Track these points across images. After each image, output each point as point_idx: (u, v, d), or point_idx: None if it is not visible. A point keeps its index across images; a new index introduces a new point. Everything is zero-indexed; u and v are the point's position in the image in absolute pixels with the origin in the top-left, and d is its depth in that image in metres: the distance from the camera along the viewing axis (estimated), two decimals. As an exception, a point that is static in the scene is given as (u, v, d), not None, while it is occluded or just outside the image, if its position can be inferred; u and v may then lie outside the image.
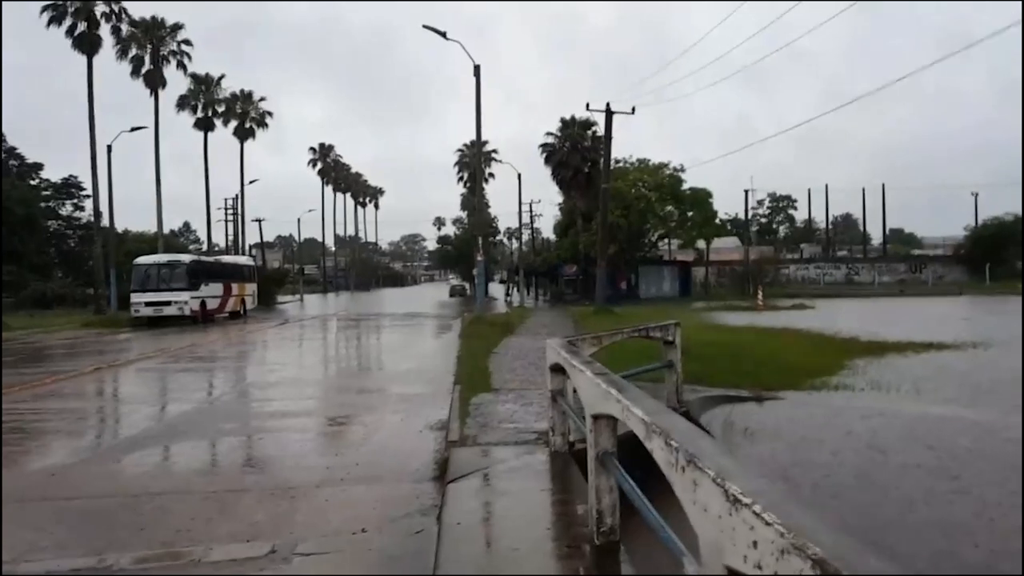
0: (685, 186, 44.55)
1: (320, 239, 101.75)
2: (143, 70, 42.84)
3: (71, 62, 34.98)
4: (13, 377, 13.71)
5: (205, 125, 52.79)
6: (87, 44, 36.98)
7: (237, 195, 60.25)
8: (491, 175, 69.68)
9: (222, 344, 21.40)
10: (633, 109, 30.45)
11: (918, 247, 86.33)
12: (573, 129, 46.47)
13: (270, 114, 59.52)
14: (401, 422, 8.82)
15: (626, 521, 3.96)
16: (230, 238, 64.59)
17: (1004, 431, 8.69)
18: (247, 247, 66.66)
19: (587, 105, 30.24)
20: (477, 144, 26.49)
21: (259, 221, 72.34)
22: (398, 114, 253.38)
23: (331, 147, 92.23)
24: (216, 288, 33.68)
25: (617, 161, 41.03)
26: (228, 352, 19.42)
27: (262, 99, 58.73)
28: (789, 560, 1.61)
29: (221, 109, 54.77)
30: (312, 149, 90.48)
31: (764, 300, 36.11)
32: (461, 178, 75.28)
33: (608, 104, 29.98)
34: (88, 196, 42.94)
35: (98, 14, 37.46)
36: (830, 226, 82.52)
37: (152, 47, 42.89)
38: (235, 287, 36.03)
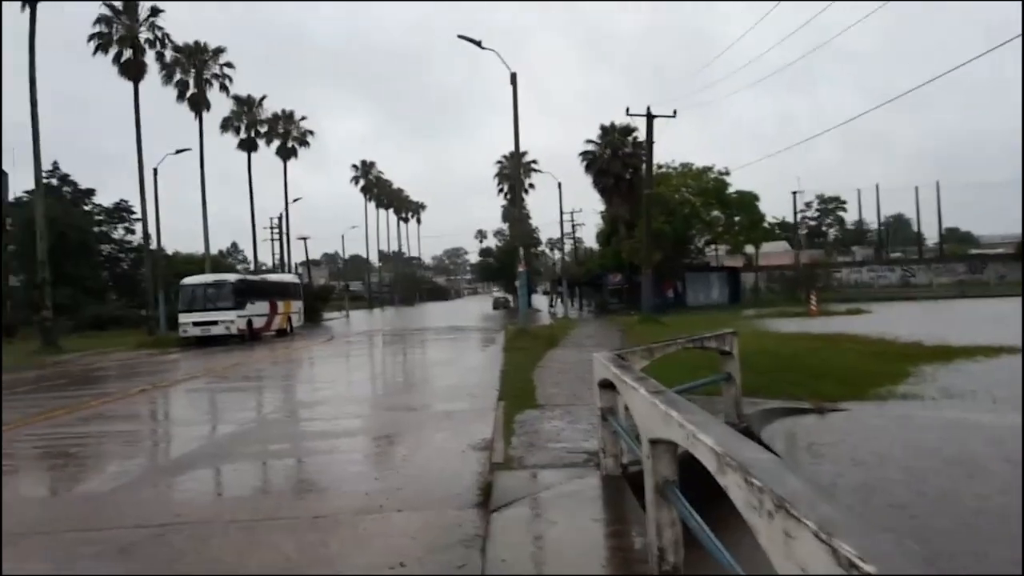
0: (730, 189, 43.55)
1: (364, 255, 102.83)
2: (188, 94, 43.81)
3: (120, 89, 36.16)
4: (60, 400, 13.80)
5: (248, 146, 53.71)
6: (132, 70, 37.88)
7: (282, 214, 61.13)
8: (531, 186, 69.58)
9: (267, 362, 21.41)
10: (675, 112, 29.90)
11: (975, 246, 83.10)
12: (613, 136, 45.91)
13: (311, 133, 60.40)
14: (444, 442, 8.46)
15: (689, 552, 3.51)
16: (276, 257, 65.62)
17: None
18: (293, 265, 67.63)
19: (627, 110, 29.81)
20: (516, 153, 26.20)
21: (304, 239, 73.34)
22: (437, 129, 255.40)
23: (372, 164, 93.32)
24: (262, 306, 33.98)
25: (659, 166, 40.33)
26: (272, 371, 19.38)
27: (303, 118, 59.64)
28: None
29: (264, 130, 55.71)
30: (354, 166, 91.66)
31: (818, 305, 34.92)
32: (501, 190, 75.28)
33: (649, 108, 29.49)
34: (138, 219, 44.00)
35: (142, 40, 38.37)
36: (882, 227, 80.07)
37: (195, 71, 43.82)
38: (281, 305, 36.32)
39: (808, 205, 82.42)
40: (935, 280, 58.14)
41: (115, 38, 37.82)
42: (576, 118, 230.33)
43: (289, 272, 58.61)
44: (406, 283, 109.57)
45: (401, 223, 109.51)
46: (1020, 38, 12.89)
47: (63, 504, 6.63)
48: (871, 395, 11.74)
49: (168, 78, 42.94)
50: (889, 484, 6.99)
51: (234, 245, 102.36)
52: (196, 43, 44.26)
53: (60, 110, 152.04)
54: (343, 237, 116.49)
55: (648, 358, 5.97)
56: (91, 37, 37.69)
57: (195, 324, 30.33)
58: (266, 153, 57.20)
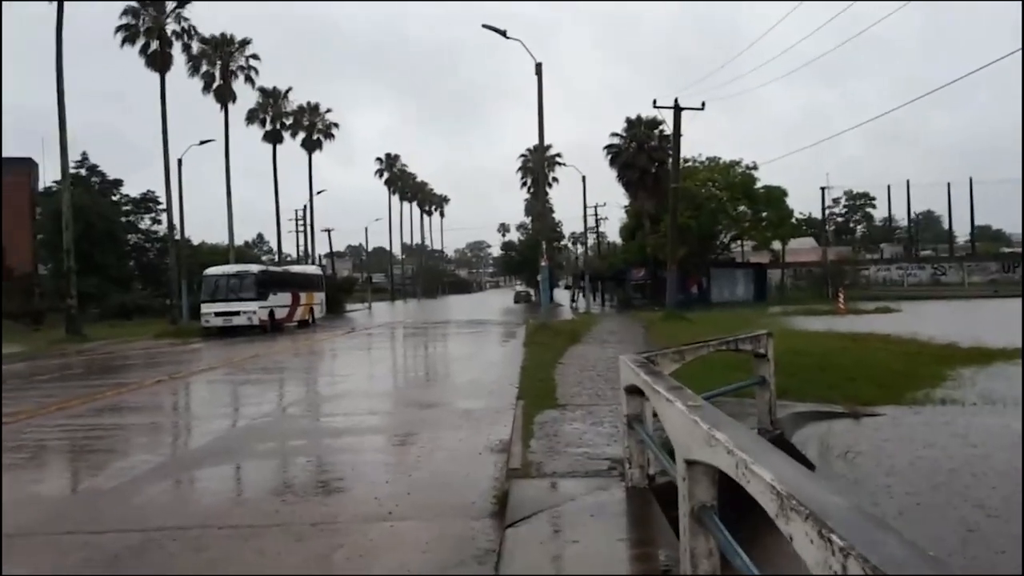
0: (758, 184, 42.68)
1: (388, 248, 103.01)
2: (214, 86, 43.85)
3: (148, 81, 36.26)
4: (77, 390, 13.68)
5: (274, 138, 53.78)
6: (159, 62, 37.97)
7: (306, 206, 61.24)
8: (555, 179, 69.00)
9: (287, 354, 21.23)
10: (703, 104, 29.23)
11: (1006, 244, 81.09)
12: (639, 129, 45.27)
13: (336, 125, 60.38)
14: (460, 442, 8.09)
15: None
16: (301, 248, 65.78)
17: None
18: (318, 256, 67.80)
19: (654, 102, 29.14)
20: (540, 143, 25.73)
21: (328, 231, 73.48)
22: (461, 122, 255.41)
23: (396, 157, 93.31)
24: (284, 297, 33.90)
25: (686, 160, 39.56)
26: (291, 363, 19.18)
27: (328, 111, 59.63)
28: None
29: (289, 122, 55.75)
30: (378, 159, 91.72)
31: (846, 303, 34.10)
32: (524, 183, 74.89)
33: (676, 100, 28.82)
34: (164, 210, 44.17)
35: (169, 32, 38.43)
36: (912, 224, 78.45)
37: (221, 63, 43.84)
38: (303, 296, 36.24)
39: (836, 201, 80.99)
40: (967, 279, 56.74)
41: (142, 30, 37.92)
42: (601, 112, 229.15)
43: (313, 263, 58.73)
44: (428, 276, 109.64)
45: (424, 216, 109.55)
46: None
47: (61, 502, 6.36)
48: (907, 399, 11.18)
49: (194, 70, 43.06)
50: (940, 496, 6.51)
51: (260, 236, 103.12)
52: (222, 35, 44.34)
53: (91, 102, 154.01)
54: (367, 229, 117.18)
55: (679, 361, 5.55)
56: (118, 29, 37.86)
57: (217, 314, 30.31)
58: (291, 145, 57.35)
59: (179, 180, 37.94)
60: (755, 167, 42.55)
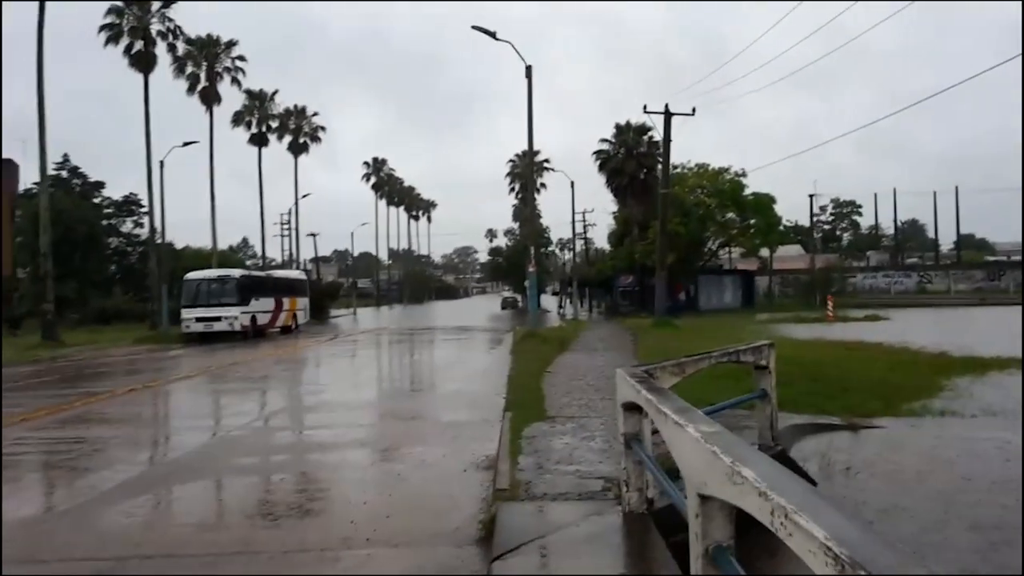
0: (746, 191, 42.53)
1: (374, 253, 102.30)
2: (199, 87, 43.22)
3: (132, 82, 35.75)
4: (46, 399, 13.12)
5: (259, 141, 53.16)
6: (143, 62, 37.31)
7: (291, 209, 60.59)
8: (543, 185, 68.77)
9: (267, 362, 20.69)
10: (693, 110, 29.03)
11: (991, 253, 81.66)
12: (628, 135, 45.04)
13: (323, 129, 59.82)
14: (443, 459, 7.66)
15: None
16: (286, 253, 65.06)
17: None
18: (303, 261, 67.07)
19: (644, 107, 28.92)
20: (529, 147, 25.41)
21: (314, 235, 72.74)
22: (449, 127, 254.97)
23: (384, 161, 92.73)
24: (267, 303, 33.33)
25: (675, 167, 39.37)
26: (270, 371, 18.65)
27: (315, 114, 59.09)
28: None
29: (275, 125, 55.16)
30: (366, 163, 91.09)
31: (834, 311, 33.95)
32: (512, 189, 74.60)
33: (667, 105, 28.57)
34: (147, 213, 43.42)
35: (154, 32, 37.81)
36: (899, 232, 78.74)
37: (207, 64, 43.24)
38: (286, 301, 35.68)
39: (823, 209, 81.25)
40: (953, 287, 56.92)
41: (126, 29, 37.26)
42: (589, 118, 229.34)
43: (298, 268, 58.05)
44: (415, 281, 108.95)
45: (411, 221, 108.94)
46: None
47: (8, 527, 5.86)
48: (904, 410, 10.84)
49: (179, 71, 42.42)
50: (952, 512, 6.16)
51: (245, 240, 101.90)
52: (208, 36, 43.72)
53: (73, 103, 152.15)
54: (352, 234, 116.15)
55: (679, 375, 5.16)
56: (102, 28, 37.16)
57: (198, 320, 29.70)
58: (277, 148, 56.71)
59: (160, 182, 37.29)
60: (744, 174, 42.45)
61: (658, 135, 34.40)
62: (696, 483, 2.74)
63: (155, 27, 38.05)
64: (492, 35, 23.19)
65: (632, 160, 44.69)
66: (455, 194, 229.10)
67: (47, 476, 7.71)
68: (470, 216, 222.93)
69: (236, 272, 33.83)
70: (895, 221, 75.17)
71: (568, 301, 51.90)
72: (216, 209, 44.12)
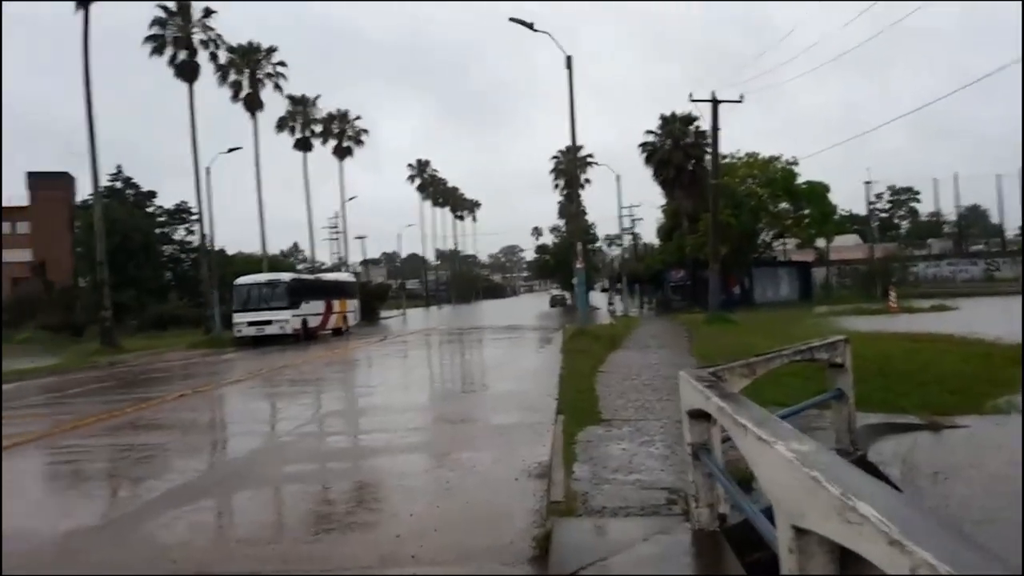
0: (798, 180, 41.14)
1: (421, 254, 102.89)
2: (242, 94, 43.84)
3: (178, 91, 36.62)
4: (98, 405, 13.20)
5: (304, 145, 53.74)
6: (187, 72, 38.00)
7: (338, 213, 61.18)
8: (587, 180, 67.90)
9: (317, 364, 20.65)
10: (741, 97, 28.10)
11: (1057, 237, 77.69)
12: (674, 125, 44.07)
13: (366, 132, 60.21)
14: (494, 465, 7.28)
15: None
16: (336, 256, 65.77)
17: None
18: (353, 264, 67.75)
19: (690, 95, 28.05)
20: (572, 139, 24.84)
21: (362, 238, 73.44)
22: (491, 126, 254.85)
23: (427, 162, 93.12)
24: (317, 306, 33.55)
25: (723, 157, 38.26)
26: (321, 373, 18.58)
27: (357, 117, 59.50)
28: None
29: (319, 129, 55.69)
30: (410, 165, 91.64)
31: (897, 302, 32.53)
32: (557, 185, 74.00)
33: (714, 93, 27.70)
34: (198, 220, 44.27)
35: (196, 42, 38.44)
36: (960, 219, 75.53)
37: (249, 71, 43.82)
38: (336, 304, 35.88)
39: (879, 196, 78.46)
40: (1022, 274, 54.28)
41: (169, 39, 38.00)
42: (633, 111, 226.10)
43: (347, 271, 58.59)
44: (463, 281, 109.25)
45: (457, 221, 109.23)
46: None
47: (43, 540, 5.67)
48: (988, 407, 10.05)
49: (222, 79, 43.05)
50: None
51: (295, 245, 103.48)
52: (249, 43, 44.30)
53: (126, 114, 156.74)
54: (399, 236, 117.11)
55: (749, 376, 4.67)
56: (147, 39, 37.99)
57: (249, 324, 30.00)
58: (322, 153, 57.28)
59: (207, 189, 37.89)
60: (795, 162, 41.06)
61: (705, 124, 33.53)
62: (790, 512, 2.28)
63: (197, 36, 38.71)
64: (530, 26, 22.75)
65: (679, 151, 43.73)
66: (499, 193, 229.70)
67: (88, 487, 7.58)
68: (515, 215, 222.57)
69: (286, 276, 34.16)
70: (957, 207, 72.06)
71: (618, 297, 51.15)
72: (264, 214, 44.83)
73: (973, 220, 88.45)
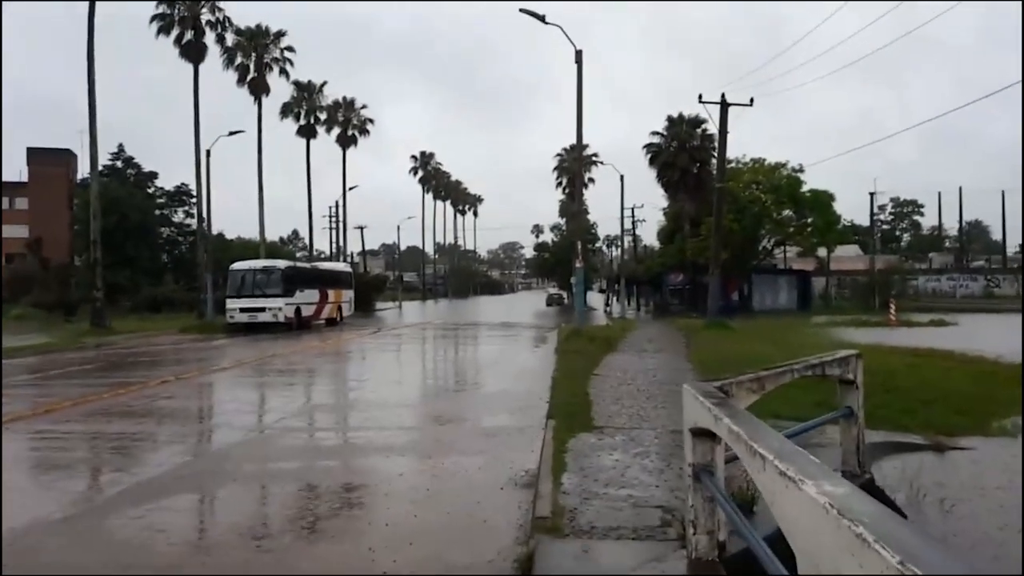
0: (804, 188, 40.73)
1: (421, 246, 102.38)
2: (248, 78, 43.29)
3: (183, 73, 36.25)
4: (77, 389, 12.83)
5: (308, 132, 53.19)
6: (193, 53, 37.51)
7: (338, 202, 60.68)
8: (591, 180, 67.35)
9: (308, 355, 20.25)
10: (751, 100, 27.61)
11: (1057, 255, 77.51)
12: (681, 127, 43.63)
13: (371, 121, 59.63)
14: (479, 471, 6.91)
15: None
16: (334, 245, 65.29)
17: None
18: (350, 253, 67.25)
19: (699, 97, 27.57)
20: (578, 135, 24.36)
21: (361, 228, 72.96)
22: (496, 121, 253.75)
23: (431, 155, 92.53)
24: (312, 295, 33.13)
25: (729, 161, 37.86)
26: (310, 364, 18.19)
27: (363, 107, 58.89)
28: None
29: (323, 117, 55.12)
30: (413, 157, 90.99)
31: (897, 315, 32.20)
32: (559, 184, 73.39)
33: (723, 95, 27.27)
34: (197, 203, 43.83)
35: (204, 23, 37.97)
36: (962, 234, 75.29)
37: (256, 55, 43.29)
38: (331, 293, 35.46)
39: (882, 208, 78.24)
40: (1022, 291, 53.99)
41: (177, 19, 37.52)
42: (640, 112, 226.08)
43: (345, 260, 58.14)
44: (460, 276, 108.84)
45: (458, 215, 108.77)
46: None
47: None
48: (995, 429, 9.70)
49: (229, 62, 42.47)
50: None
51: (295, 232, 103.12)
52: (257, 26, 43.70)
53: (129, 94, 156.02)
54: (399, 228, 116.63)
55: (758, 391, 4.31)
56: (153, 18, 37.51)
57: (242, 310, 29.58)
58: (326, 140, 56.74)
59: (207, 172, 37.45)
60: (801, 169, 40.65)
61: (712, 127, 33.11)
62: (820, 565, 1.90)
63: (205, 17, 38.23)
64: (541, 19, 22.33)
65: (684, 154, 43.29)
66: (501, 189, 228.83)
67: (50, 478, 7.19)
68: (516, 211, 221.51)
69: (281, 263, 33.71)
70: (960, 221, 71.80)
71: (615, 299, 50.77)
72: (265, 200, 44.19)
73: (975, 235, 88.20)
